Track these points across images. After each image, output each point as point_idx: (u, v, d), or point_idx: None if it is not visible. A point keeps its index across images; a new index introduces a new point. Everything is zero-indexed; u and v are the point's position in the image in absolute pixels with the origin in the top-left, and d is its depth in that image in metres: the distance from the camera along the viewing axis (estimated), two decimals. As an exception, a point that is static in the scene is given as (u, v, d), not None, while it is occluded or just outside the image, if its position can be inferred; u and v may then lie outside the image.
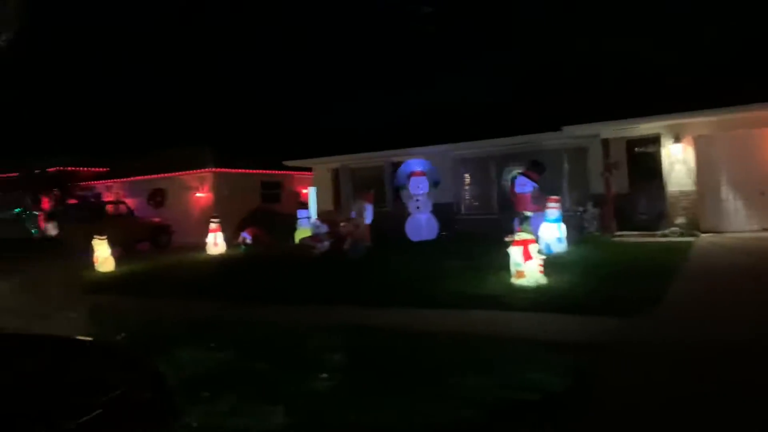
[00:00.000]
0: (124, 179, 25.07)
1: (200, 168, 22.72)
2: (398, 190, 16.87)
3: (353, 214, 13.08)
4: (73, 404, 0.74)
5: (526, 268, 8.20)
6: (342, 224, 12.84)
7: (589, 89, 16.02)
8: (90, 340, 0.93)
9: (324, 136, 20.81)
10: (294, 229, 21.76)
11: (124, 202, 21.72)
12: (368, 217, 13.25)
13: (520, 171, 15.21)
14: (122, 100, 32.01)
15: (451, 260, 11.22)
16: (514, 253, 8.29)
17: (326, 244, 12.78)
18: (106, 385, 0.78)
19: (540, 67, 18.67)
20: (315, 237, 12.97)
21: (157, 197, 24.18)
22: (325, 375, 4.89)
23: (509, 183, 16.24)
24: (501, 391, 4.26)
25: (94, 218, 19.35)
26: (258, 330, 6.64)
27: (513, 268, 8.36)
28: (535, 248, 8.29)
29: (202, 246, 16.93)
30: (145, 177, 24.13)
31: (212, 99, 30.18)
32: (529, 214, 9.32)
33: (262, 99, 31.20)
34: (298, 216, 17.59)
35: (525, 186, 14.38)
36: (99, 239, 13.74)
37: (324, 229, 13.12)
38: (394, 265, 11.12)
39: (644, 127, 14.49)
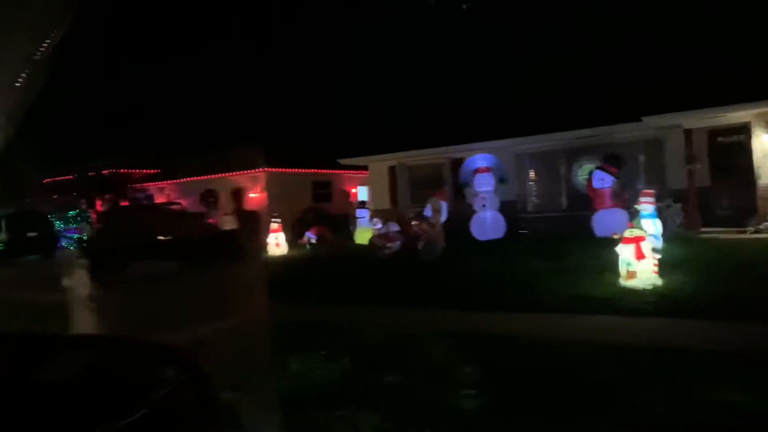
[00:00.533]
0: (177, 180, 25.12)
1: (253, 168, 22.53)
2: (463, 187, 16.25)
3: (427, 212, 12.51)
4: (118, 405, 0.71)
5: (639, 267, 7.51)
6: (414, 223, 12.30)
7: (667, 76, 15.05)
8: (135, 340, 0.90)
9: (380, 133, 20.34)
10: (347, 228, 21.42)
11: (179, 203, 21.68)
12: (443, 216, 12.65)
13: (596, 165, 14.44)
14: (172, 100, 32.16)
15: (535, 260, 10.56)
16: (625, 251, 7.61)
17: (398, 243, 12.26)
18: (152, 385, 0.77)
19: (611, 54, 17.74)
20: (386, 236, 12.46)
21: (209, 198, 24.10)
22: (467, 391, 4.34)
23: (583, 178, 15.46)
24: (704, 414, 3.63)
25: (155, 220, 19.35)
26: (366, 334, 6.14)
27: (623, 268, 7.67)
28: (649, 246, 7.59)
29: (259, 246, 16.60)
30: (198, 178, 24.11)
31: (263, 98, 30.06)
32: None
33: (313, 97, 30.94)
34: (357, 215, 17.16)
35: (604, 181, 13.62)
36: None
37: (395, 228, 12.61)
38: (477, 266, 10.51)
39: (732, 116, 13.52)
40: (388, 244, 12.16)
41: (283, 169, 22.77)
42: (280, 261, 14.77)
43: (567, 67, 19.17)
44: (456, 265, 10.72)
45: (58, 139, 29.02)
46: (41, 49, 1.41)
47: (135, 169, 26.21)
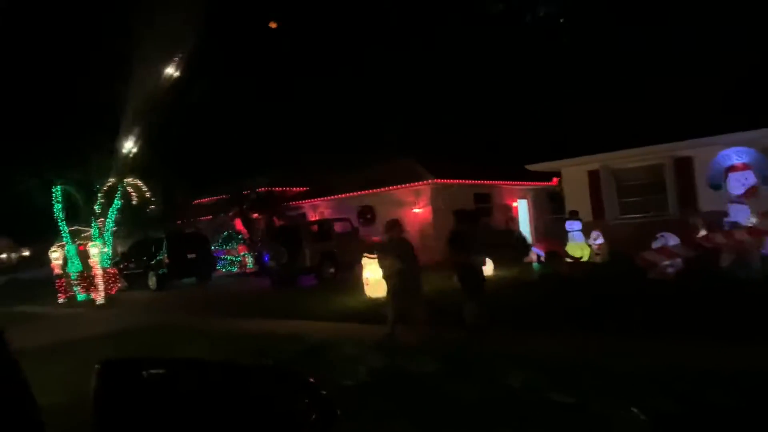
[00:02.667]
0: (331, 197, 23.76)
1: (416, 181, 20.57)
2: (715, 189, 13.07)
3: (733, 218, 9.64)
4: (242, 427, 0.76)
5: None
6: (703, 234, 9.51)
7: None
8: (261, 365, 1.22)
9: (573, 133, 17.55)
10: (515, 245, 18.84)
11: (348, 219, 20.07)
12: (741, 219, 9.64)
13: None
14: (323, 114, 31.33)
15: None
16: None
17: (679, 260, 9.48)
18: (276, 408, 0.78)
19: None
20: (664, 251, 9.71)
21: (366, 214, 22.49)
22: None
23: None
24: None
25: (324, 237, 17.82)
26: None
27: None
28: None
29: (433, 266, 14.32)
30: (353, 194, 22.56)
31: (417, 106, 28.24)
32: None
33: (464, 103, 28.75)
34: (568, 228, 14.48)
35: None
36: (368, 257, 11.64)
37: (673, 240, 9.86)
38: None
39: None
40: (667, 261, 9.42)
41: (450, 180, 20.61)
42: (507, 281, 12.38)
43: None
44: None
45: (209, 158, 28.96)
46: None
47: (287, 186, 25.23)
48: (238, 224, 25.21)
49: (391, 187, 21.31)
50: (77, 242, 24.49)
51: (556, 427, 4.16)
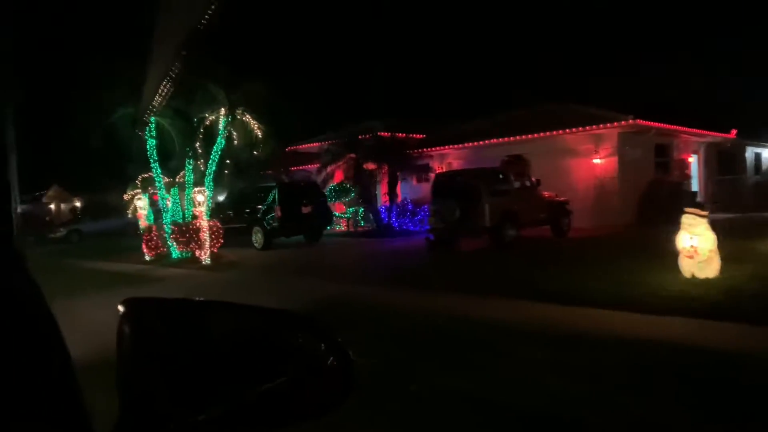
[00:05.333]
0: (465, 145, 19.50)
1: (603, 122, 16.08)
2: None
3: None
4: (261, 371, 0.78)
5: None
6: None
7: None
8: (288, 311, 0.83)
9: None
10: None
11: (525, 166, 15.72)
12: None
13: None
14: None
15: None
16: None
17: None
18: (294, 353, 0.81)
19: None
20: None
21: (516, 166, 18.16)
22: None
23: None
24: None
25: (503, 191, 13.57)
26: None
27: None
28: None
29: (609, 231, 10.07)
30: (496, 141, 18.25)
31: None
32: None
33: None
34: None
35: None
36: (697, 215, 7.38)
37: None
38: None
39: None
40: None
41: (653, 123, 16.09)
42: None
43: None
44: None
45: (310, 99, 24.82)
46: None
47: (405, 132, 21.05)
48: (338, 176, 21.33)
49: (557, 132, 16.90)
50: (150, 191, 20.93)
51: None
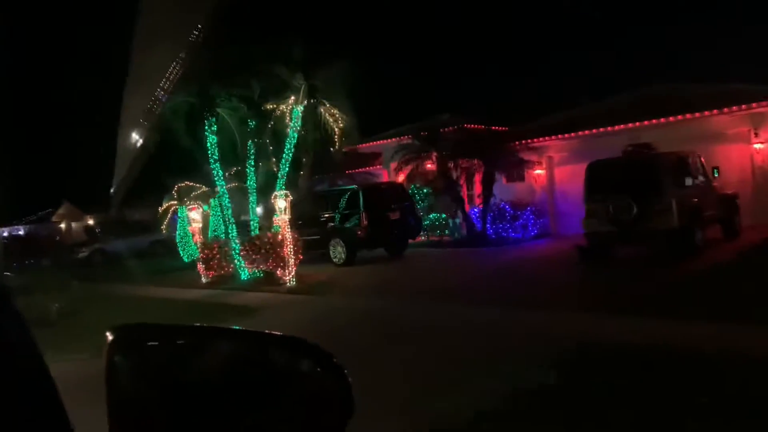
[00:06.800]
0: (571, 135, 16.54)
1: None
2: None
3: None
4: (258, 398, 0.76)
5: None
6: None
7: None
8: (278, 334, 0.79)
9: None
10: None
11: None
12: None
13: None
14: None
15: None
16: None
17: None
18: (292, 378, 0.78)
19: None
20: None
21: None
22: None
23: None
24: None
25: (681, 183, 10.51)
26: None
27: None
28: None
29: None
30: (617, 128, 15.27)
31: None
32: None
33: None
34: None
35: None
36: None
37: None
38: None
39: None
40: None
41: None
42: None
43: None
44: None
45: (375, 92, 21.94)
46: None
47: (484, 125, 18.13)
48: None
49: (707, 113, 13.90)
50: (187, 202, 18.09)
51: None
